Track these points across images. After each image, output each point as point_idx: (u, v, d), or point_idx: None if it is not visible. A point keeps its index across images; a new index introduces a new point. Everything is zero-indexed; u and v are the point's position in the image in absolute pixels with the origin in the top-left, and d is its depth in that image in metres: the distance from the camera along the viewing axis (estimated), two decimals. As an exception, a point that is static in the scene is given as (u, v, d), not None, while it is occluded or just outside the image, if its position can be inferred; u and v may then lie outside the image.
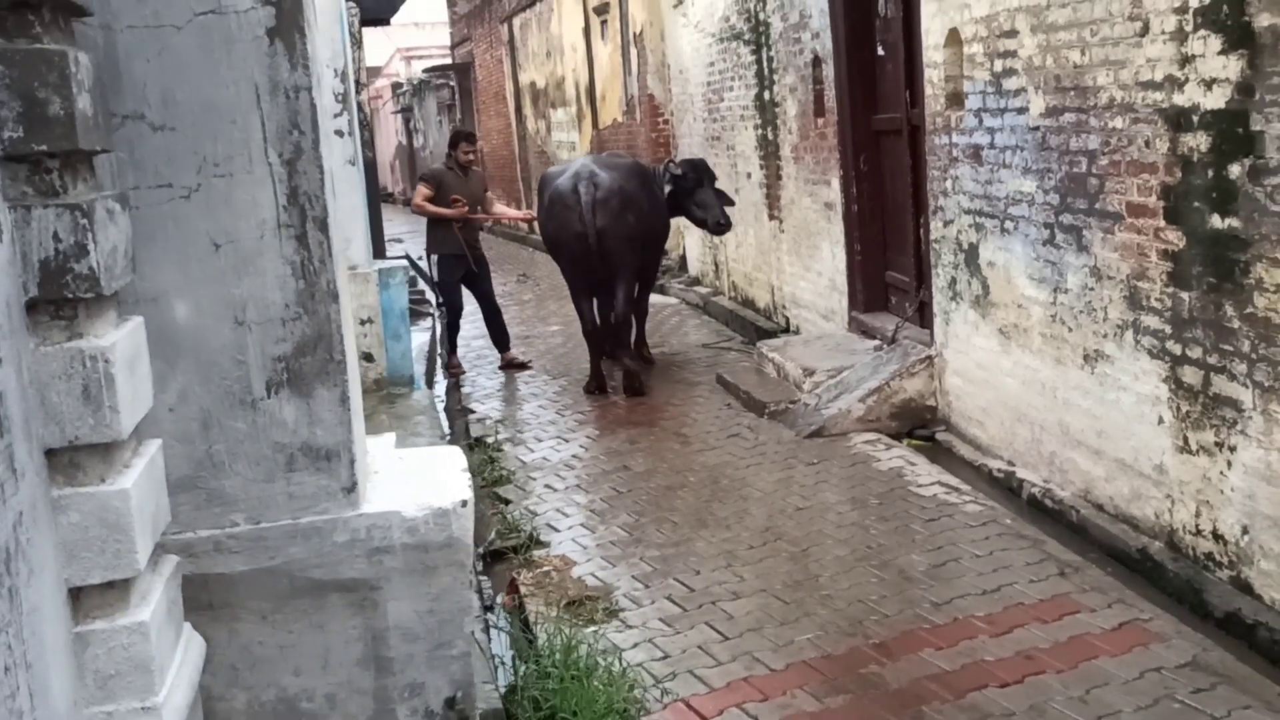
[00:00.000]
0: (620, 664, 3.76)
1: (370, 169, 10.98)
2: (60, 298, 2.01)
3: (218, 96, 2.49)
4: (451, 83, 24.98)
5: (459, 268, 8.66)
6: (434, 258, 8.81)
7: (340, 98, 6.67)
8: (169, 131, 2.47)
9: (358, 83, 10.05)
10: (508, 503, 5.72)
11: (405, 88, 31.67)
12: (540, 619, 4.24)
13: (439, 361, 9.50)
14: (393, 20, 15.75)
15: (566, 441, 6.78)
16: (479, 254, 8.77)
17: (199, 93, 2.48)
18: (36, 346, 2.01)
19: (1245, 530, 3.84)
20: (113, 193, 2.24)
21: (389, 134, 35.30)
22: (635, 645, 4.04)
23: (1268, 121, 3.58)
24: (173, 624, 2.35)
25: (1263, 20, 3.56)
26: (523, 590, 4.62)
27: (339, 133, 6.60)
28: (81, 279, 2.01)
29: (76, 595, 2.09)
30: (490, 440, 6.84)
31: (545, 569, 4.84)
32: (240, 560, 2.66)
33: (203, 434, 2.61)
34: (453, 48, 25.48)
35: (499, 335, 8.96)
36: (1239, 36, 3.67)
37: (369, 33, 17.62)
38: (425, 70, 28.03)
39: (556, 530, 5.30)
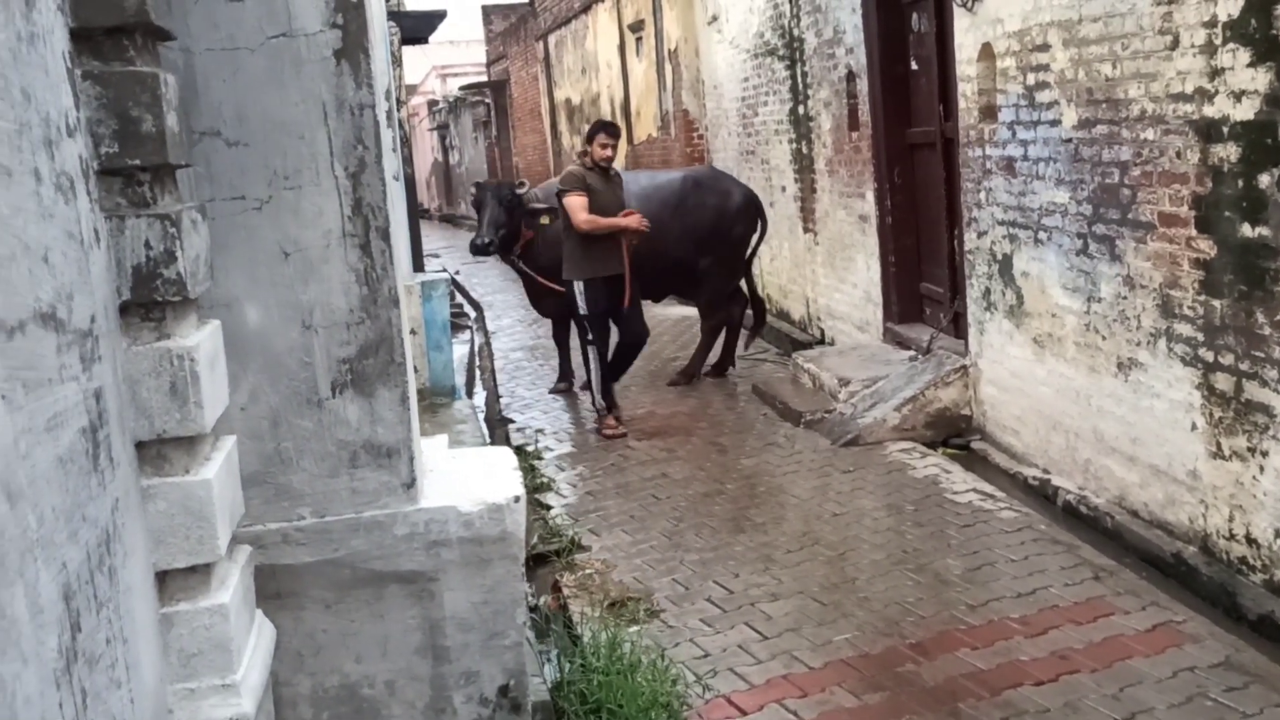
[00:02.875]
0: (663, 661, 3.87)
1: (409, 185, 11.22)
2: (150, 301, 2.16)
3: (287, 114, 2.64)
4: (487, 100, 25.29)
5: (613, 294, 7.11)
6: (580, 284, 7.06)
7: (385, 115, 6.86)
8: (242, 147, 2.63)
9: (397, 100, 10.29)
10: (549, 508, 5.84)
11: (441, 105, 32.07)
12: (583, 619, 4.36)
13: (476, 375, 9.67)
14: (430, 39, 16.06)
15: (606, 450, 6.90)
16: (625, 272, 7.21)
17: (270, 110, 2.63)
18: (128, 346, 2.16)
19: (1278, 534, 3.90)
20: (194, 204, 2.39)
21: (425, 151, 35.72)
22: (677, 644, 4.15)
23: (1296, 132, 3.66)
24: (247, 609, 2.49)
25: (1290, 33, 3.64)
26: (565, 592, 4.74)
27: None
28: (170, 283, 2.16)
29: (162, 579, 2.23)
30: (530, 448, 6.97)
31: (587, 572, 4.96)
32: (306, 552, 2.80)
33: (272, 432, 2.76)
34: (488, 65, 25.81)
35: (620, 374, 7.55)
36: (1267, 49, 3.75)
37: (406, 51, 17.93)
38: (461, 88, 28.39)
39: (597, 535, 5.42)
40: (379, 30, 6.59)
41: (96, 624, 1.81)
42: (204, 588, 2.28)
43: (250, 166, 2.64)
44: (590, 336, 7.14)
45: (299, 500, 2.79)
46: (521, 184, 8.52)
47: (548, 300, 8.29)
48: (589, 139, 7.20)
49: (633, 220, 7.07)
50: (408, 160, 13.17)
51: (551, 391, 8.49)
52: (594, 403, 7.26)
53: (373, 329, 2.77)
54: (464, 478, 3.10)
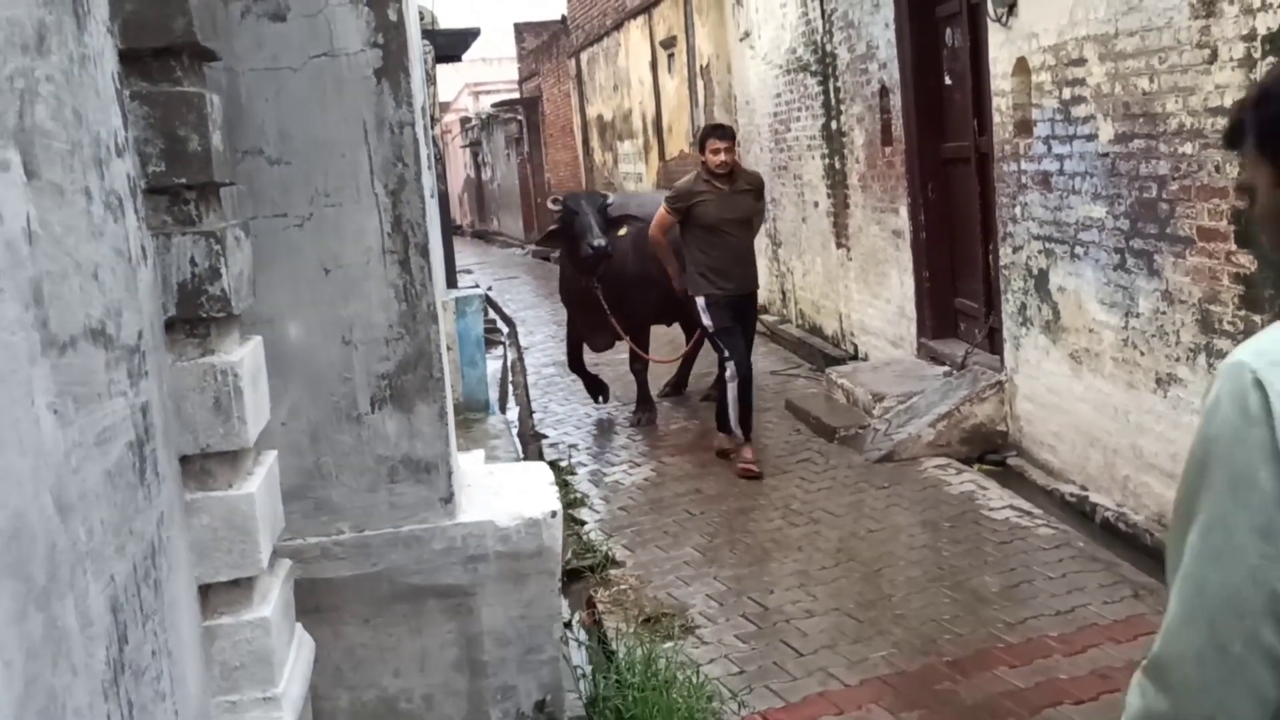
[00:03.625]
0: (698, 677, 3.86)
1: (442, 202, 11.30)
2: (195, 317, 2.19)
3: (329, 132, 2.68)
4: (519, 117, 25.44)
5: (732, 310, 6.50)
6: (700, 300, 6.49)
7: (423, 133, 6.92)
8: (285, 165, 2.67)
9: (431, 118, 10.37)
10: (583, 524, 5.85)
11: (474, 122, 32.30)
12: (618, 635, 4.36)
13: (509, 390, 9.71)
14: (463, 57, 16.20)
15: (639, 465, 6.90)
16: (753, 292, 6.75)
17: (312, 129, 2.67)
18: (173, 362, 2.19)
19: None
20: (237, 221, 2.43)
21: (458, 168, 35.98)
22: (711, 660, 4.14)
23: (1338, 145, 3.62)
24: (288, 623, 2.51)
25: (1332, 46, 3.61)
26: (600, 607, 4.74)
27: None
28: (214, 300, 2.19)
29: (205, 592, 2.26)
30: (564, 464, 6.99)
31: (621, 587, 4.96)
32: (345, 566, 2.82)
33: (312, 447, 2.79)
34: (521, 82, 25.99)
35: (747, 414, 6.50)
36: (1308, 62, 3.72)
37: (440, 69, 18.10)
38: (494, 105, 28.58)
39: (631, 551, 5.42)
40: (415, 49, 6.67)
41: (143, 636, 1.84)
42: (246, 601, 2.30)
43: (292, 184, 2.68)
44: (726, 354, 6.47)
45: (338, 515, 2.82)
46: (606, 195, 8.08)
47: (606, 335, 7.77)
48: (700, 146, 6.60)
49: (672, 275, 6.75)
50: (441, 177, 13.28)
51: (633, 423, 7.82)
52: (723, 427, 6.59)
53: (411, 345, 2.79)
54: (501, 493, 3.12)
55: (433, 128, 10.61)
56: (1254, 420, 1.09)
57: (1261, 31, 3.93)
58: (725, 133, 6.55)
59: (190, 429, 2.19)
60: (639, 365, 7.80)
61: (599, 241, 7.15)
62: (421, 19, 11.73)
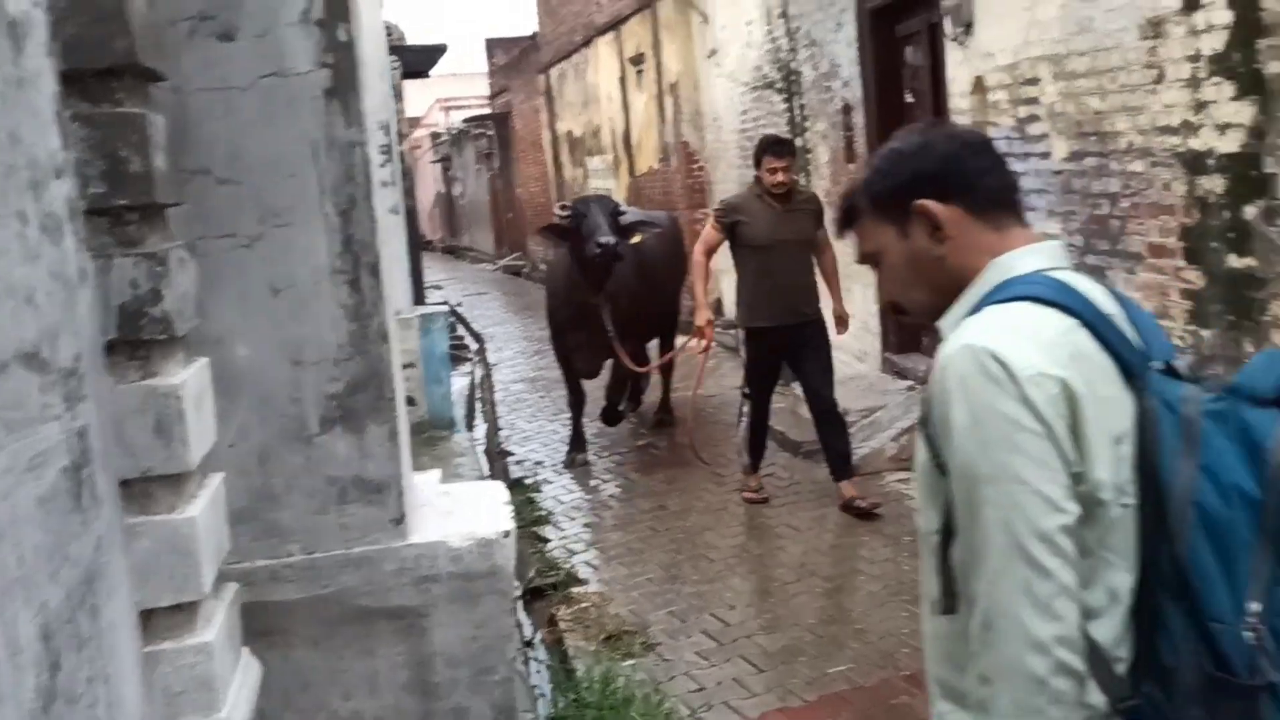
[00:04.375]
0: (657, 695, 3.86)
1: (410, 217, 11.28)
2: (136, 339, 2.18)
3: (278, 152, 2.67)
4: (490, 132, 25.45)
5: (774, 344, 5.86)
6: (741, 332, 6.14)
7: (385, 149, 6.92)
8: (233, 185, 2.66)
9: (399, 133, 10.37)
10: (546, 541, 5.85)
11: (444, 137, 32.28)
12: (579, 653, 4.35)
13: (477, 407, 9.68)
14: (432, 72, 16.19)
15: (604, 482, 6.91)
16: (810, 321, 5.86)
17: (261, 149, 2.66)
18: (114, 384, 2.18)
19: (1271, 564, 3.90)
20: (182, 242, 2.42)
21: (428, 183, 35.92)
22: (672, 678, 4.15)
23: (1279, 164, 3.69)
24: (233, 647, 2.49)
25: (1273, 67, 3.68)
26: (561, 625, 4.73)
27: (384, 183, 6.84)
28: (156, 322, 2.18)
29: (147, 617, 2.24)
30: (529, 481, 6.98)
31: (583, 605, 4.95)
32: (294, 589, 2.80)
33: (260, 468, 2.77)
34: (491, 98, 26.00)
35: (836, 452, 5.86)
36: (1250, 83, 3.79)
37: (409, 84, 18.10)
38: (464, 120, 28.58)
39: (594, 568, 5.42)
40: (379, 65, 6.67)
41: (78, 663, 1.82)
42: (189, 626, 2.28)
43: (241, 204, 2.67)
44: (745, 389, 6.08)
45: (287, 537, 2.80)
46: (619, 202, 7.43)
47: (600, 357, 7.23)
48: (755, 162, 5.89)
49: (699, 321, 5.97)
50: (409, 192, 13.26)
51: (568, 466, 7.34)
52: (740, 459, 6.23)
53: (363, 365, 2.78)
54: (455, 513, 3.11)
55: (400, 143, 10.61)
56: (1002, 380, 1.36)
57: (1207, 52, 4.00)
58: (784, 149, 5.86)
59: (131, 452, 2.18)
60: (576, 399, 7.39)
61: (607, 238, 6.50)
62: (389, 34, 11.75)
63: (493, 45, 25.17)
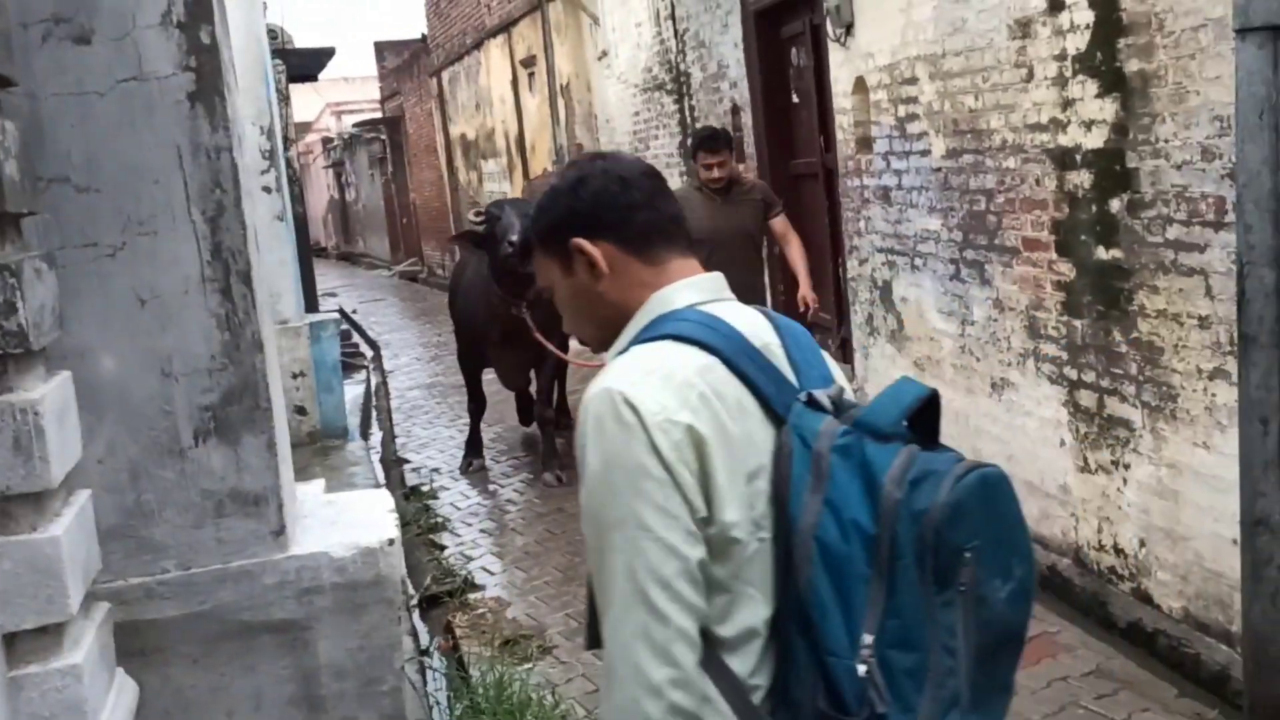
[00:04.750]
0: (553, 697, 3.85)
1: (301, 224, 11.06)
2: (-10, 354, 2.10)
3: (141, 158, 2.59)
4: (383, 136, 25.11)
5: None
6: None
7: (267, 154, 6.77)
8: (93, 193, 2.57)
9: (286, 139, 10.15)
10: (443, 548, 5.79)
11: (336, 142, 31.74)
12: (475, 659, 4.32)
13: (372, 415, 9.54)
14: (321, 76, 15.90)
15: (501, 487, 6.87)
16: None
17: (122, 155, 2.58)
18: (-33, 401, 2.09)
19: (1142, 543, 4.06)
20: (40, 253, 2.33)
21: (321, 189, 35.28)
22: (569, 680, 4.14)
23: (1141, 159, 3.84)
24: (105, 668, 2.42)
25: (1132, 65, 3.83)
26: (457, 633, 4.69)
27: (267, 189, 6.70)
28: (10, 336, 2.10)
29: (11, 641, 2.16)
30: (426, 488, 6.90)
31: (480, 611, 4.93)
32: (171, 606, 2.72)
33: (132, 484, 2.69)
34: (383, 102, 25.66)
35: None
36: (1112, 81, 3.93)
37: (298, 89, 17.74)
38: (356, 125, 28.15)
39: (491, 573, 5.38)
40: (258, 68, 6.52)
41: (-72, 692, 1.74)
42: (55, 649, 2.21)
43: (102, 213, 2.59)
44: None
45: (162, 553, 2.72)
46: None
47: (525, 369, 7.06)
48: (692, 155, 5.84)
49: None
50: (300, 198, 12.99)
51: (464, 471, 7.29)
52: None
53: (236, 375, 2.72)
54: (338, 522, 3.06)
55: (287, 148, 10.39)
56: (632, 427, 1.36)
57: (1072, 51, 4.14)
58: (717, 142, 5.69)
59: (-13, 471, 2.10)
60: (476, 405, 7.34)
61: (516, 235, 6.11)
62: (274, 38, 11.50)
63: (382, 48, 24.85)
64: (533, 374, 7.18)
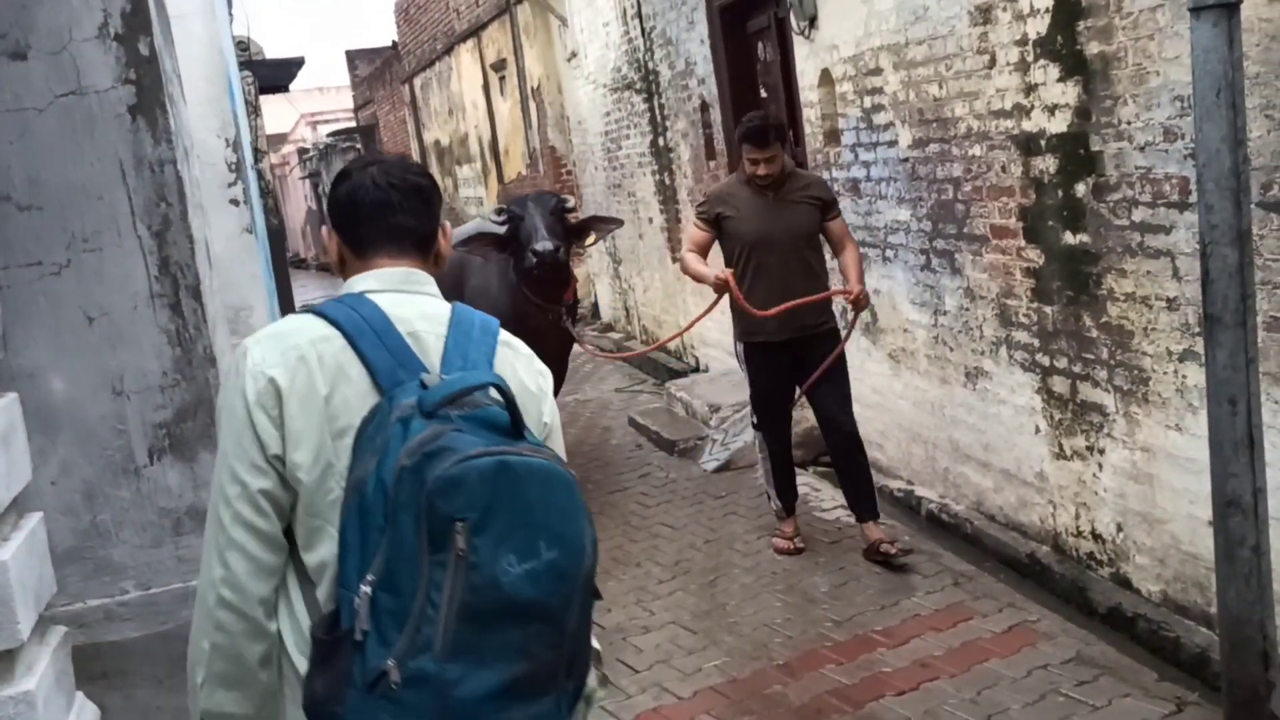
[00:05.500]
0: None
1: (276, 236, 10.98)
2: (-73, 378, 2.05)
3: (83, 174, 2.55)
4: (358, 145, 24.98)
5: (779, 362, 4.90)
6: (739, 347, 5.08)
7: (234, 166, 6.70)
8: (36, 211, 2.53)
9: (257, 150, 10.08)
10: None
11: (312, 153, 31.59)
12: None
13: None
14: (293, 87, 15.80)
15: (481, 493, 6.82)
16: (819, 333, 4.87)
17: (64, 172, 2.54)
18: (-95, 427, 2.05)
19: (1120, 528, 4.04)
20: (-21, 273, 2.29)
21: (298, 200, 35.10)
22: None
23: (1104, 142, 3.82)
24: (63, 693, 2.37)
25: (1092, 48, 3.81)
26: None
27: (234, 201, 6.62)
28: (-52, 359, 2.06)
29: (-42, 670, 2.11)
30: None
31: (460, 619, 4.88)
32: (132, 627, 2.68)
33: (87, 505, 2.64)
34: (356, 110, 25.56)
35: (857, 489, 4.94)
36: (1074, 64, 3.92)
37: (271, 100, 17.63)
38: (330, 134, 28.03)
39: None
40: (211, 79, 6.45)
41: None
42: (7, 675, 2.16)
43: (46, 231, 2.54)
44: (754, 420, 5.16)
45: (121, 574, 2.68)
46: (565, 197, 6.33)
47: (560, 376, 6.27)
48: (738, 147, 4.97)
49: (714, 276, 4.79)
50: (275, 210, 12.90)
51: None
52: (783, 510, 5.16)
53: (189, 391, 2.68)
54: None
55: (259, 160, 10.32)
56: (239, 373, 1.70)
57: (1033, 36, 4.13)
58: (765, 137, 4.75)
59: (-71, 498, 2.05)
60: None
61: (545, 244, 5.51)
62: (244, 50, 11.42)
63: (354, 57, 24.76)
64: None
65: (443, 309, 1.81)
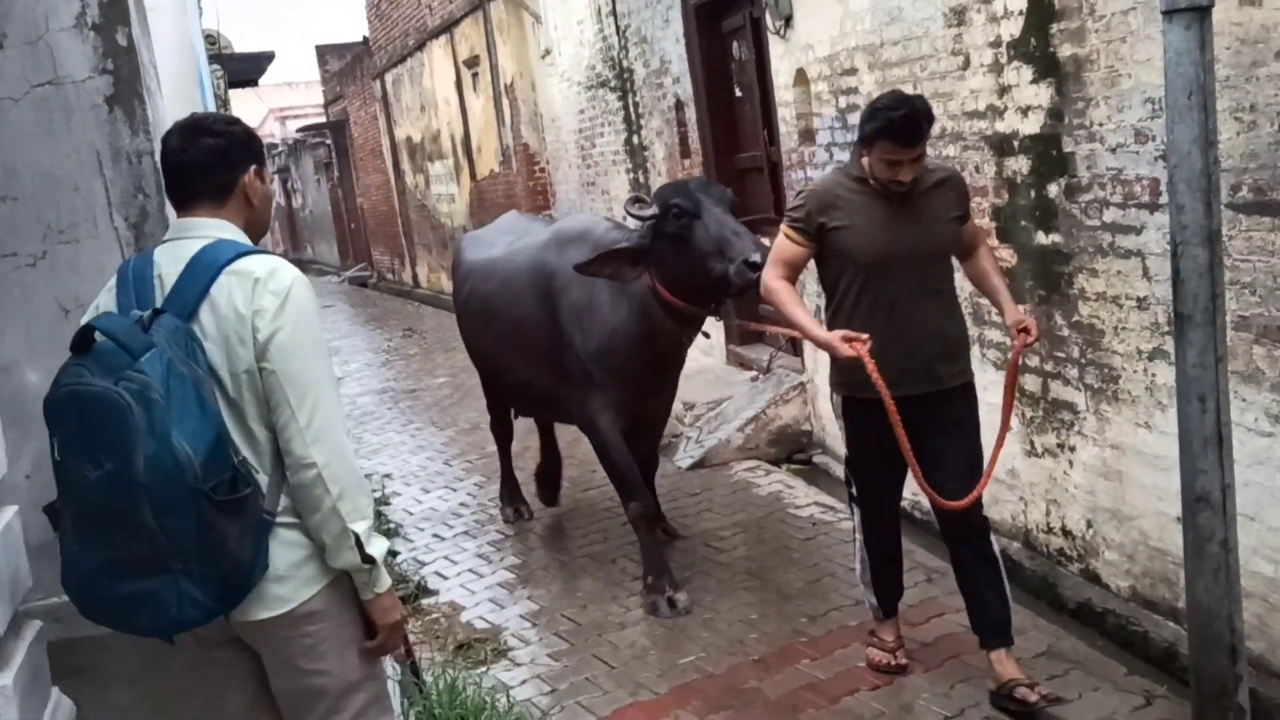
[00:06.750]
0: (508, 700, 3.82)
1: (245, 231, 10.88)
2: (-99, 369, 2.03)
3: (59, 165, 2.53)
4: (328, 141, 24.84)
5: (876, 435, 3.49)
6: (837, 400, 3.73)
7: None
8: (11, 201, 2.51)
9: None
10: (395, 554, 5.72)
11: (281, 148, 31.36)
12: (429, 664, 4.27)
13: None
14: (263, 81, 15.67)
15: (454, 490, 6.81)
16: (953, 388, 3.61)
17: (40, 162, 2.52)
18: (-121, 419, 2.02)
19: (1089, 524, 4.09)
20: (-46, 264, 2.26)
21: (268, 196, 34.77)
22: (524, 682, 4.11)
23: (1076, 143, 3.87)
24: (39, 688, 2.35)
25: (1065, 50, 3.86)
26: (411, 639, 4.63)
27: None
28: (-77, 350, 2.03)
29: (-67, 665, 2.09)
30: (378, 494, 6.82)
31: (433, 616, 4.87)
32: (107, 622, 2.65)
33: (62, 499, 2.61)
34: (326, 106, 25.38)
35: (980, 599, 3.64)
36: (1046, 66, 3.96)
37: (240, 95, 17.49)
38: (300, 130, 27.82)
39: (444, 578, 5.33)
40: (181, 72, 6.40)
41: None
42: (-17, 670, 2.14)
43: (21, 222, 2.52)
44: (854, 491, 3.89)
45: (96, 568, 2.65)
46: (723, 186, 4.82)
47: (660, 421, 5.35)
48: (864, 141, 3.47)
49: (843, 349, 3.34)
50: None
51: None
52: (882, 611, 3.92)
53: (167, 384, 2.65)
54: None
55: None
56: (310, 286, 2.26)
57: (1006, 38, 4.17)
58: (915, 131, 3.37)
59: (-97, 491, 2.03)
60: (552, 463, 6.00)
61: (758, 256, 4.07)
62: (212, 44, 11.31)
63: (324, 52, 24.58)
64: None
65: (189, 251, 2.17)
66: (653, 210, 4.44)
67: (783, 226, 3.64)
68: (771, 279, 3.60)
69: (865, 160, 3.50)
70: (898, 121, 3.36)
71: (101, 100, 2.53)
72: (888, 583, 3.89)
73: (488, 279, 5.33)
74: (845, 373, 3.55)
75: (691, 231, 4.33)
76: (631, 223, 4.77)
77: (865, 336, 3.34)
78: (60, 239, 2.53)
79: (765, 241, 4.32)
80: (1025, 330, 3.53)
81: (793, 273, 3.63)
